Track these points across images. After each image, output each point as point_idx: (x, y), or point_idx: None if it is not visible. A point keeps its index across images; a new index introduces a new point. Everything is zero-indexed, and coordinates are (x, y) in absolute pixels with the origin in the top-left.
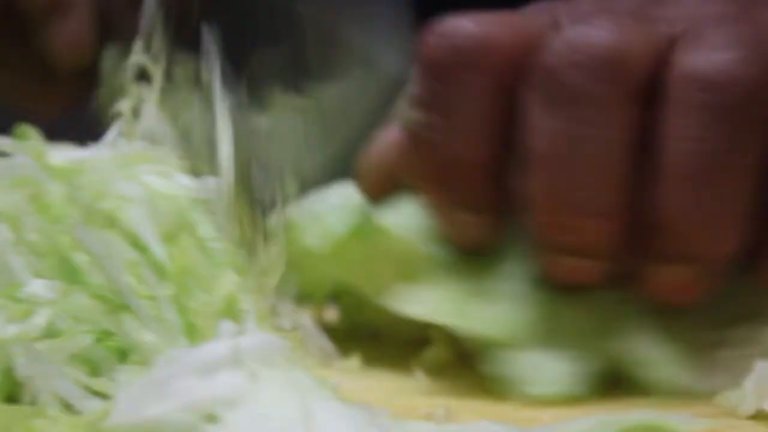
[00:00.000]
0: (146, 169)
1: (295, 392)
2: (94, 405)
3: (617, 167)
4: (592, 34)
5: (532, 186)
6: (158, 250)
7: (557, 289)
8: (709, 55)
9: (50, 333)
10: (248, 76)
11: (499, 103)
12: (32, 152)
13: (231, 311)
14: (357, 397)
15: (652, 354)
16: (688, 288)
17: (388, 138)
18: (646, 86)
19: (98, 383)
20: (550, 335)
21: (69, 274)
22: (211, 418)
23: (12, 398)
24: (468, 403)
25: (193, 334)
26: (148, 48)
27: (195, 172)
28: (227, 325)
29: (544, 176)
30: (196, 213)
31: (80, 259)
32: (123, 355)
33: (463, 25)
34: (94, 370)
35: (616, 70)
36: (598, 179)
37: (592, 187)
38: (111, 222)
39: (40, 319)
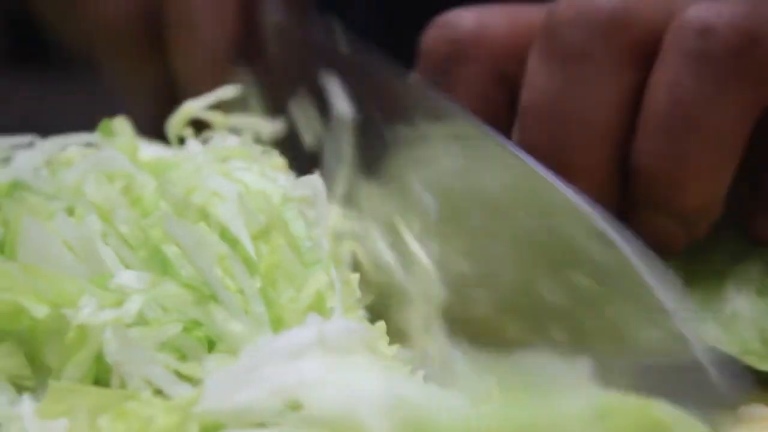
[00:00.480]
0: (239, 165)
1: (379, 373)
2: (185, 390)
3: (608, 126)
4: None
5: (519, 138)
6: (248, 245)
7: None
8: (710, 5)
9: (140, 321)
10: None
11: (498, 93)
12: (123, 147)
13: (319, 308)
14: None
15: None
16: (670, 237)
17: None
18: (648, 48)
19: (188, 368)
20: None
21: (159, 266)
22: (297, 404)
23: (99, 383)
24: None
25: (280, 326)
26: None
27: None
28: (314, 318)
29: (532, 130)
30: (288, 210)
31: (171, 251)
32: (211, 344)
33: (460, 17)
34: (183, 358)
35: (618, 31)
36: (587, 137)
37: (580, 144)
38: (202, 216)
39: (133, 305)
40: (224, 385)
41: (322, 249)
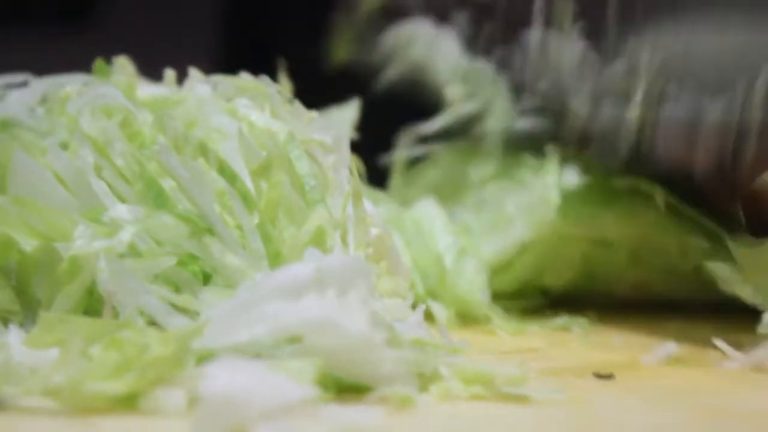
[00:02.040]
0: (246, 103)
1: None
2: (180, 322)
3: None
4: None
5: None
6: (247, 180)
7: None
8: None
9: (133, 253)
10: None
11: None
12: (121, 85)
13: (319, 243)
14: None
15: None
16: None
17: None
18: None
19: (183, 300)
20: None
21: (155, 200)
22: (296, 339)
23: (89, 314)
24: None
25: (278, 261)
26: None
27: None
28: (313, 253)
29: None
30: (293, 149)
31: (167, 184)
32: (206, 278)
33: None
34: (177, 290)
35: None
36: None
37: None
38: (201, 151)
39: (125, 235)
40: (224, 323)
41: (329, 188)
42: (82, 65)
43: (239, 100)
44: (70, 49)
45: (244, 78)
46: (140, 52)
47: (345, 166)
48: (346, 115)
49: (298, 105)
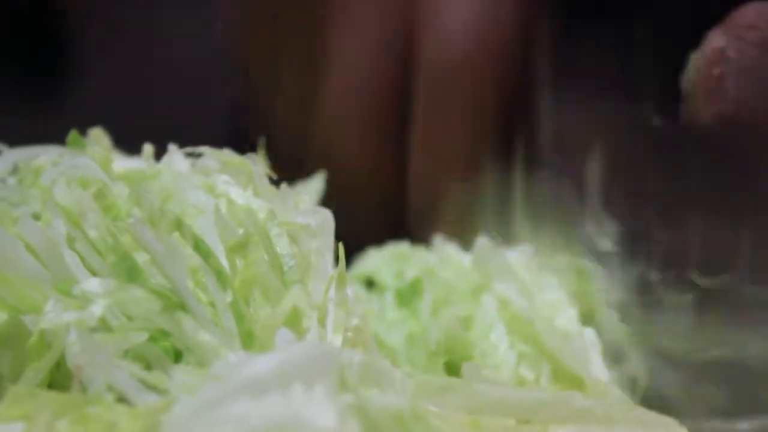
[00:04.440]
0: (226, 179)
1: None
2: (150, 398)
3: None
4: None
5: None
6: (222, 257)
7: None
8: None
9: (103, 328)
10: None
11: None
12: (96, 156)
13: (294, 325)
14: None
15: None
16: None
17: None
18: None
19: (154, 377)
20: None
21: (128, 273)
22: None
23: (56, 388)
24: None
25: (250, 340)
26: None
27: None
28: (285, 334)
29: None
30: (274, 228)
31: (141, 258)
32: (177, 355)
33: None
34: (148, 367)
35: None
36: None
37: None
38: (177, 226)
39: (97, 308)
40: (186, 424)
41: (311, 271)
42: (54, 140)
43: (219, 176)
44: (40, 125)
45: (229, 154)
46: (115, 125)
47: (329, 251)
48: (312, 188)
49: (284, 187)
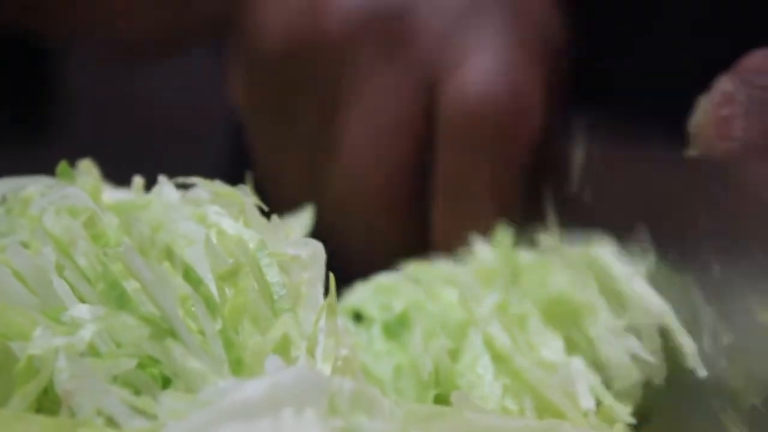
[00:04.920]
0: (217, 209)
1: None
2: (139, 423)
3: None
4: None
5: None
6: (212, 286)
7: None
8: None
9: (92, 354)
10: None
11: None
12: (86, 187)
13: (283, 353)
14: None
15: None
16: None
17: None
18: None
19: (143, 402)
20: None
21: (118, 301)
22: None
23: (43, 414)
24: None
25: (240, 368)
26: None
27: None
28: (275, 361)
29: None
30: (264, 257)
31: (130, 286)
32: (166, 382)
33: None
34: (137, 393)
35: None
36: None
37: None
38: (167, 254)
39: (86, 332)
40: None
41: (301, 301)
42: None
43: (210, 207)
44: (28, 161)
45: (220, 185)
46: (105, 161)
47: (320, 282)
48: (301, 221)
49: (275, 219)
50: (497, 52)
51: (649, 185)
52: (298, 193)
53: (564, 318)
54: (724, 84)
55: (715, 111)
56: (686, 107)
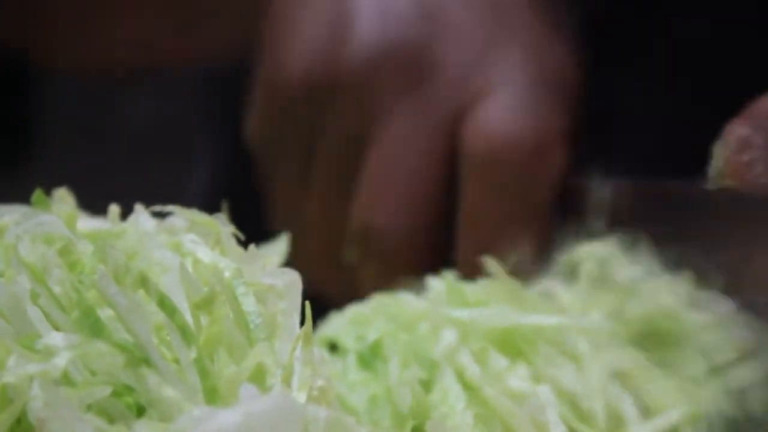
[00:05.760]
0: (193, 238)
1: None
2: None
3: None
4: None
5: None
6: (187, 314)
7: None
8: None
9: (66, 382)
10: None
11: None
12: (62, 215)
13: (258, 381)
14: None
15: None
16: None
17: None
18: None
19: (117, 430)
20: None
21: (92, 329)
22: None
23: None
24: None
25: (214, 396)
26: None
27: None
28: (249, 389)
29: None
30: (240, 286)
31: (105, 314)
32: (141, 411)
33: None
34: (111, 421)
35: None
36: None
37: None
38: (142, 282)
39: (60, 360)
40: None
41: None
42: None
43: (186, 235)
44: (2, 189)
45: (197, 213)
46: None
47: (296, 312)
48: (277, 249)
49: (252, 248)
50: (519, 88)
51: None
52: (317, 232)
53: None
54: (738, 130)
55: (735, 158)
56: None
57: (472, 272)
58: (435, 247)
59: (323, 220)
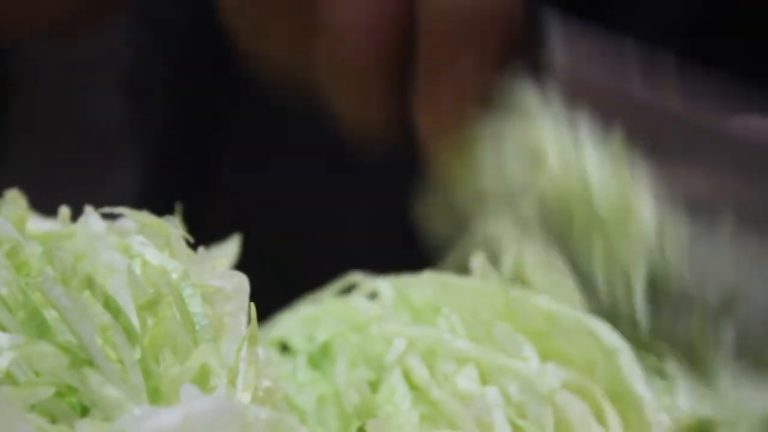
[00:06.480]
0: (141, 240)
1: None
2: None
3: None
4: None
5: None
6: (132, 315)
7: None
8: None
9: (10, 382)
10: None
11: None
12: (11, 216)
13: (202, 382)
14: None
15: None
16: None
17: None
18: None
19: (59, 430)
20: None
21: (37, 330)
22: None
23: None
24: None
25: (158, 397)
26: None
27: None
28: (190, 389)
29: None
30: (187, 288)
31: (50, 315)
32: (84, 411)
33: None
34: (54, 421)
35: None
36: None
37: None
38: (88, 284)
39: (3, 362)
40: None
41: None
42: None
43: (135, 237)
44: None
45: (147, 215)
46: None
47: (243, 314)
48: (228, 251)
49: (201, 250)
50: None
51: None
52: (281, 70)
53: None
54: None
55: None
56: None
57: (428, 133)
58: (398, 82)
59: (287, 59)
